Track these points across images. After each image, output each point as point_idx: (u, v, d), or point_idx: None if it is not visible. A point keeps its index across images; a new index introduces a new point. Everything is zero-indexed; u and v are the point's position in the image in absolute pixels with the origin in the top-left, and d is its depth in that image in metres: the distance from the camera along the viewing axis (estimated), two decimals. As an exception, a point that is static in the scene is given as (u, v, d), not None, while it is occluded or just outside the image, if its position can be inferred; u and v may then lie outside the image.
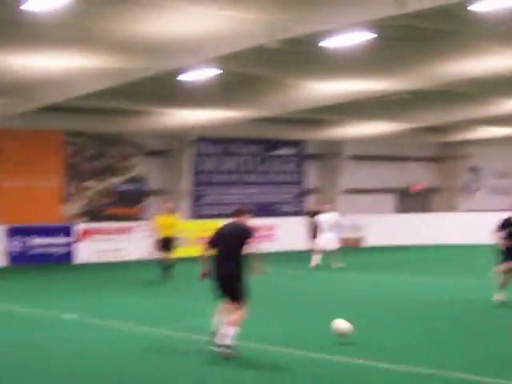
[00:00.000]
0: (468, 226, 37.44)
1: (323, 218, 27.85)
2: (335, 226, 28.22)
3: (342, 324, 13.48)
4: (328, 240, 27.44)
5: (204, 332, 13.92)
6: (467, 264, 29.37)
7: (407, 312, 17.78)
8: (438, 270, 27.65)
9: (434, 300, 19.65)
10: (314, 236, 29.95)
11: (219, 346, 12.04)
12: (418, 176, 45.24)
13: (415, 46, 21.85)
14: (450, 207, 44.90)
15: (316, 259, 27.77)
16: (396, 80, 25.33)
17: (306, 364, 12.10)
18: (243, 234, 12.60)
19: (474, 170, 45.87)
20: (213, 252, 12.78)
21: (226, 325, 12.13)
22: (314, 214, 30.35)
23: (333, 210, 28.42)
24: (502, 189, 44.43)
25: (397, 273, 26.68)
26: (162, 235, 24.49)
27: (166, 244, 24.27)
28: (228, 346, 11.98)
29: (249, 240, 12.51)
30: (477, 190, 45.75)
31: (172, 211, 25.37)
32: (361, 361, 12.07)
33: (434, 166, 46.52)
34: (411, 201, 44.92)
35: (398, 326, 15.98)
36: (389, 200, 44.29)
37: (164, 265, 24.18)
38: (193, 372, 11.65)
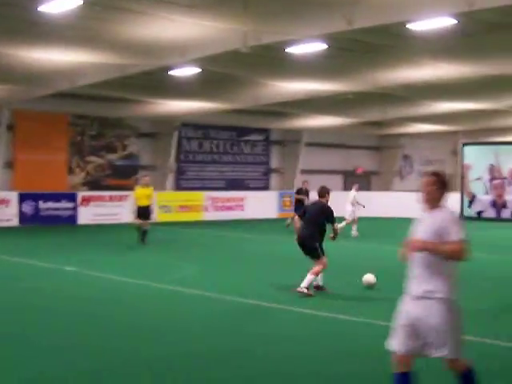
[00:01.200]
0: (401, 203, 37.58)
1: (349, 195, 27.67)
2: (355, 202, 27.88)
3: (369, 277, 14.34)
4: (350, 212, 27.47)
5: (180, 283, 14.08)
6: (401, 233, 29.53)
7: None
8: (374, 236, 27.81)
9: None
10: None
11: (300, 287, 13.17)
12: (361, 161, 45.56)
13: (360, 56, 21.97)
14: (387, 187, 45.19)
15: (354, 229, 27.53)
16: (344, 83, 25.40)
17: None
18: (324, 213, 13.73)
19: (406, 157, 46.18)
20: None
21: (309, 273, 13.27)
22: (304, 191, 29.29)
23: (355, 189, 28.27)
24: (429, 174, 44.94)
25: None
26: (139, 204, 23.44)
27: (143, 212, 23.19)
28: (306, 288, 13.17)
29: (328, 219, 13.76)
30: (408, 173, 46.12)
31: (148, 184, 24.10)
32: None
33: (374, 154, 46.82)
34: (355, 181, 45.06)
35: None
36: (337, 180, 44.45)
37: (142, 230, 23.11)
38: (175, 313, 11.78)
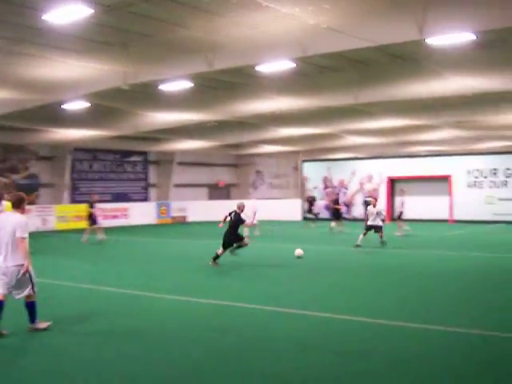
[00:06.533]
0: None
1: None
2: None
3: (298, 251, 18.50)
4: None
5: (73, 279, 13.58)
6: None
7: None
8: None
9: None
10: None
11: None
12: (222, 176, 45.76)
13: (220, 92, 22.11)
14: (243, 196, 45.47)
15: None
16: (208, 113, 25.42)
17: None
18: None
19: (258, 172, 46.74)
20: None
21: None
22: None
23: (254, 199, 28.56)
24: (275, 185, 45.71)
25: (207, 238, 26.68)
26: None
27: None
28: None
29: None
30: (260, 185, 46.67)
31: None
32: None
33: (232, 170, 47.10)
34: (218, 192, 45.32)
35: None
36: (203, 191, 44.50)
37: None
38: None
